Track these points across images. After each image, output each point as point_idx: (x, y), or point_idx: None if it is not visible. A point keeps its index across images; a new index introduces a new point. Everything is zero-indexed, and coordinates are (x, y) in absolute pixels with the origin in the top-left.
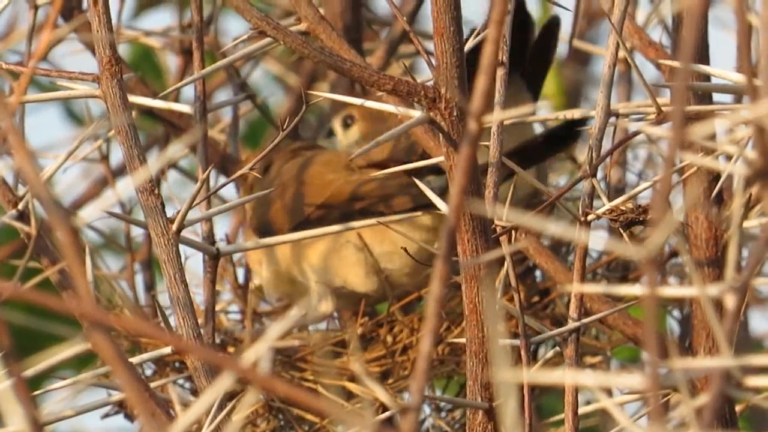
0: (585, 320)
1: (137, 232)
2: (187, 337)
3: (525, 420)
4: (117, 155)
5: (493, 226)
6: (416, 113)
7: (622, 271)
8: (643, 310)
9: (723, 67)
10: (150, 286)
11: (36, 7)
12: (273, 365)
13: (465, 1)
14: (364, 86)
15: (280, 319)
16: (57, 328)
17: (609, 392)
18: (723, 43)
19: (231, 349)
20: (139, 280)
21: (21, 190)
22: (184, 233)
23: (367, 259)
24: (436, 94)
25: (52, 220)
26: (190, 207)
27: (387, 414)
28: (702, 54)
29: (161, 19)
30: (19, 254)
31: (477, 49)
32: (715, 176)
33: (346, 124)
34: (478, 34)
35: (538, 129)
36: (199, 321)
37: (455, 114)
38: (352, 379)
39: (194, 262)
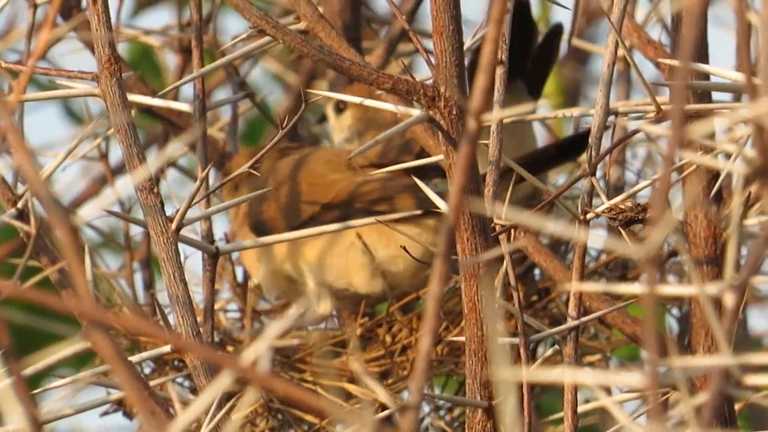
0: (584, 318)
1: (136, 231)
2: (187, 336)
3: (524, 418)
4: (116, 154)
5: (493, 224)
6: (415, 112)
7: (621, 269)
8: (642, 309)
9: (722, 66)
10: (149, 285)
11: (35, 6)
12: (272, 366)
13: None
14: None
15: (279, 318)
16: (56, 327)
17: (608, 391)
18: (722, 41)
19: (230, 348)
20: (139, 278)
21: (20, 189)
22: (183, 232)
23: (373, 262)
24: (435, 93)
25: (51, 218)
26: (189, 205)
27: (386, 412)
28: (701, 53)
29: (160, 17)
30: (19, 253)
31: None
32: (714, 175)
33: (339, 109)
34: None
35: (538, 128)
36: (198, 320)
37: (454, 112)
38: (352, 380)
39: (193, 261)
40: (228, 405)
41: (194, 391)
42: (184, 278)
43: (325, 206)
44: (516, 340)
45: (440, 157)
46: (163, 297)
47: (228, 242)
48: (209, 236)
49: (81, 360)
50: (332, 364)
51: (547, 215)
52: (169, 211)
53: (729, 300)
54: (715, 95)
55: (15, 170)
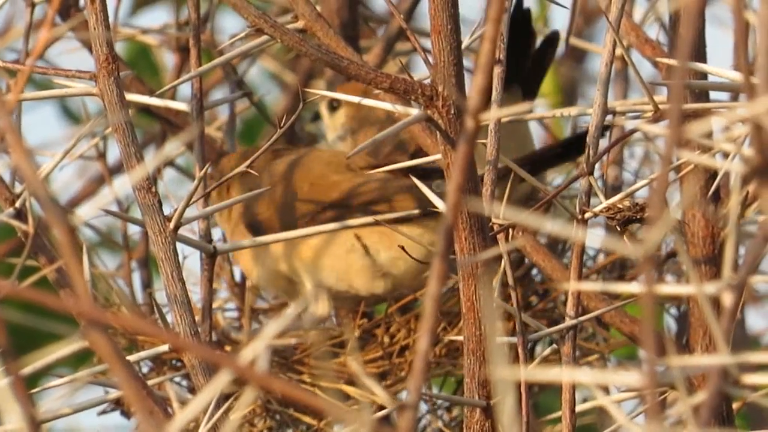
0: (582, 318)
1: (134, 230)
2: (185, 335)
3: (522, 418)
4: (114, 153)
5: (491, 224)
6: (413, 111)
7: (619, 269)
8: (640, 308)
9: (720, 65)
10: (147, 284)
11: (33, 5)
12: (270, 367)
13: None
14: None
15: (277, 317)
16: (54, 326)
17: (606, 390)
18: (720, 40)
19: (228, 348)
20: (136, 278)
21: (18, 188)
22: (181, 231)
23: (374, 264)
24: (433, 92)
25: (49, 218)
26: (187, 205)
27: (384, 412)
28: (699, 52)
29: (158, 16)
30: (17, 252)
31: None
32: (712, 174)
33: (332, 107)
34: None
35: (535, 128)
36: (197, 319)
37: (452, 112)
38: (350, 381)
39: (191, 260)
40: (226, 405)
41: (192, 390)
42: (182, 277)
43: (327, 207)
44: (514, 339)
45: (438, 156)
46: (161, 296)
47: (226, 242)
48: (207, 236)
49: (79, 359)
50: (330, 365)
51: (545, 215)
52: (167, 210)
53: (727, 299)
54: (713, 94)
55: (13, 169)
